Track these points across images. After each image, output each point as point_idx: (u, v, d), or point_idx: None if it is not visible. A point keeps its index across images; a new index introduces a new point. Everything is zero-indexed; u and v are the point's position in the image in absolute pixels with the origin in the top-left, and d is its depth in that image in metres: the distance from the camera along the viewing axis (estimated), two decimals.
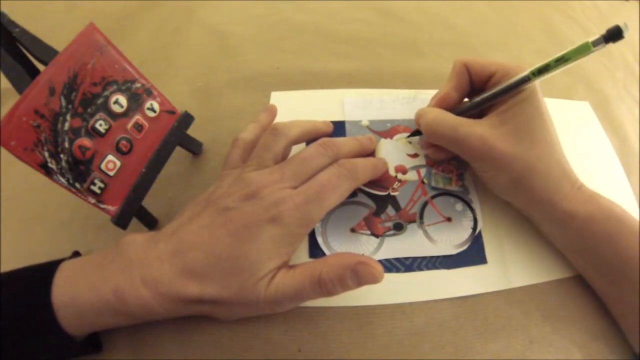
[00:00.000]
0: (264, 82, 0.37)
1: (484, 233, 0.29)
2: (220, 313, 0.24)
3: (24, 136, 0.21)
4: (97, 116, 0.24)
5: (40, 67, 0.24)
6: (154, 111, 0.27)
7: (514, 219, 0.30)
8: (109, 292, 0.21)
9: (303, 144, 0.30)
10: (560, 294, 0.28)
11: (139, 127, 0.27)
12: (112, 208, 0.25)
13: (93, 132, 0.24)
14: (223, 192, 0.25)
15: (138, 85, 0.27)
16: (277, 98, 0.36)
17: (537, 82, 0.26)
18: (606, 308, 0.27)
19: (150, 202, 0.28)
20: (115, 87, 0.25)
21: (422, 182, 0.31)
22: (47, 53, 0.24)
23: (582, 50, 0.23)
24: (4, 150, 0.21)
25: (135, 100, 0.26)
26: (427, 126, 0.29)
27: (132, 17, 0.44)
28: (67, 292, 0.21)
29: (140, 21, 0.44)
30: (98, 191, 0.25)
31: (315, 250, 0.28)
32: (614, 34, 0.21)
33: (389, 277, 0.27)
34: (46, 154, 0.22)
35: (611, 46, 0.22)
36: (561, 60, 0.24)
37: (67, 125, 0.23)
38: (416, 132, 0.32)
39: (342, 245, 0.28)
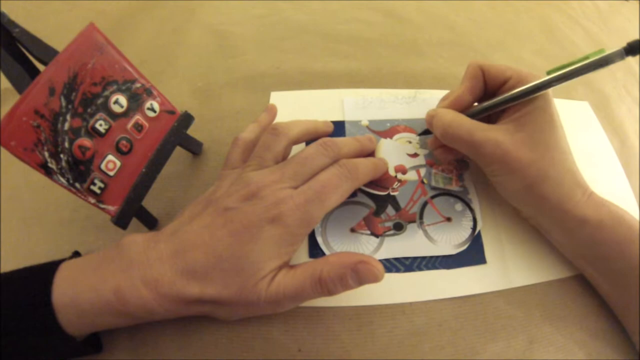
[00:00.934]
0: (264, 82, 0.37)
1: (484, 233, 0.29)
2: (220, 313, 0.24)
3: (24, 136, 0.21)
4: (97, 116, 0.24)
5: (40, 67, 0.24)
6: (154, 111, 0.27)
7: (513, 219, 0.30)
8: (109, 293, 0.21)
9: (303, 144, 0.30)
10: (561, 293, 0.28)
11: (139, 127, 0.27)
12: (112, 208, 0.25)
13: (93, 132, 0.24)
14: (223, 192, 0.25)
15: (138, 85, 0.26)
16: (277, 98, 0.36)
17: (550, 90, 0.26)
18: (607, 307, 0.27)
19: (150, 202, 0.28)
20: (115, 87, 0.25)
21: (422, 182, 0.31)
22: (47, 53, 0.24)
23: (601, 64, 0.23)
24: (4, 150, 0.21)
25: (135, 100, 0.26)
26: (443, 128, 0.28)
27: (132, 17, 0.44)
28: (67, 292, 0.21)
29: (140, 21, 0.44)
30: (98, 191, 0.25)
31: (315, 250, 0.28)
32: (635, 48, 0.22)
33: (389, 277, 0.27)
34: (46, 154, 0.22)
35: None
36: (580, 72, 0.24)
37: (67, 125, 0.23)
38: (427, 131, 0.32)
39: (342, 245, 0.28)
